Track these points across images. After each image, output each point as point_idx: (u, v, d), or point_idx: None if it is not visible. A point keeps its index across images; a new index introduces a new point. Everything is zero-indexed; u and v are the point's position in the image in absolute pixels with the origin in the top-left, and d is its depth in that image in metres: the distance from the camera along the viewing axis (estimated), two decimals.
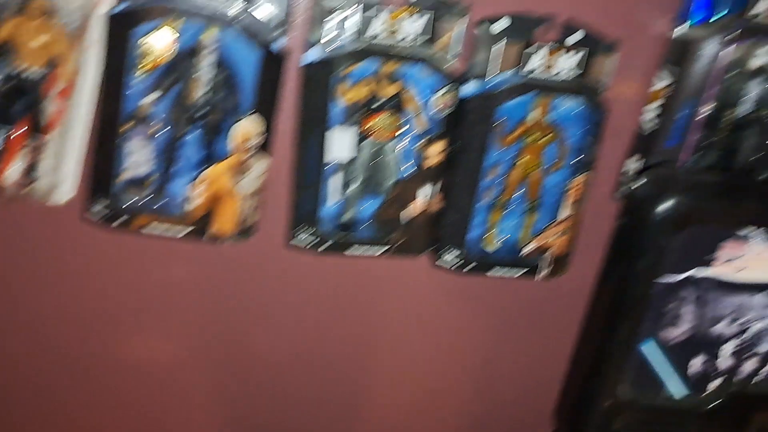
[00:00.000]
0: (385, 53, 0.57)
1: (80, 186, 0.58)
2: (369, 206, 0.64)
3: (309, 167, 0.60)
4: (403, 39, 0.57)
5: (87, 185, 0.58)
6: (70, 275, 0.65)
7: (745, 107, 0.64)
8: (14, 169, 0.57)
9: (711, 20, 0.62)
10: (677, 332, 0.56)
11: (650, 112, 0.65)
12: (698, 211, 0.52)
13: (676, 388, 0.57)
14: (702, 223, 0.52)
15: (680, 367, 0.58)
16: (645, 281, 0.52)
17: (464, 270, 0.66)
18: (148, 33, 0.53)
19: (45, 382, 0.69)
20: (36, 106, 0.55)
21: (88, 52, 0.55)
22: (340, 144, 0.60)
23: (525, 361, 0.76)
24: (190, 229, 0.59)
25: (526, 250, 0.66)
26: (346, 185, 0.62)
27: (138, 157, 0.57)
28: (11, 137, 0.56)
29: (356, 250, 0.64)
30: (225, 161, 0.57)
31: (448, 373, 0.76)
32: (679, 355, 0.58)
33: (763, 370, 0.59)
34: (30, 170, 0.57)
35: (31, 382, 0.69)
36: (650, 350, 0.56)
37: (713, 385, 0.59)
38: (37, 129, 0.56)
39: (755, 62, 0.63)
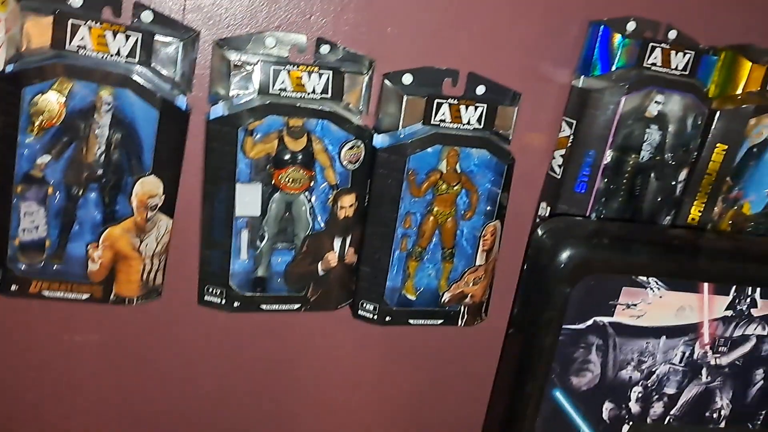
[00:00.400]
0: (292, 108, 0.57)
1: None
2: (281, 261, 0.63)
3: (217, 224, 0.59)
4: (310, 94, 0.57)
5: None
6: None
7: (645, 153, 0.67)
8: None
9: (610, 71, 0.65)
10: (586, 379, 0.57)
11: (557, 159, 0.67)
12: (594, 261, 0.53)
13: None
14: (599, 273, 0.53)
15: (592, 413, 0.59)
16: (550, 330, 0.52)
17: (383, 322, 0.65)
18: (40, 93, 0.51)
19: None
20: None
21: None
22: (248, 199, 0.60)
23: (446, 408, 0.76)
24: (91, 292, 0.57)
25: (444, 299, 0.66)
26: (256, 241, 0.61)
27: (32, 221, 0.54)
28: None
29: (270, 307, 0.63)
30: (125, 221, 0.55)
31: (372, 423, 0.75)
32: (590, 401, 0.58)
33: (672, 412, 0.60)
34: None
35: None
36: (561, 397, 0.56)
37: (625, 429, 0.59)
38: None
39: (652, 109, 0.66)
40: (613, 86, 0.64)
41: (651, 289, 0.54)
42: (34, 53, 0.51)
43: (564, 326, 0.53)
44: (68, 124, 0.53)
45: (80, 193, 0.55)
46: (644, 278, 0.54)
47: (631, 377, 0.58)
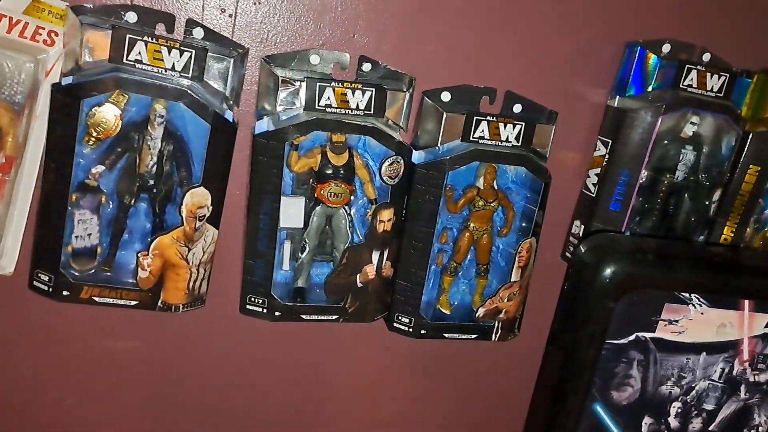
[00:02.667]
0: (337, 124, 0.59)
1: (27, 257, 0.57)
2: (320, 273, 0.64)
3: (261, 235, 0.60)
4: (354, 110, 0.59)
5: (33, 257, 0.56)
6: (17, 346, 0.62)
7: (679, 173, 0.68)
8: None
9: (645, 91, 0.66)
10: (627, 394, 0.57)
11: (592, 178, 0.68)
12: (638, 277, 0.53)
13: None
14: (642, 289, 0.53)
15: (631, 427, 0.59)
16: (592, 345, 0.53)
17: (418, 335, 0.66)
18: (97, 105, 0.53)
19: None
20: None
21: (34, 124, 0.55)
22: (292, 212, 0.61)
23: (482, 423, 0.76)
24: (139, 299, 0.58)
25: (479, 314, 0.67)
26: (297, 252, 0.62)
27: (86, 228, 0.56)
28: None
29: (310, 317, 0.64)
30: (174, 231, 0.57)
31: None
32: (629, 415, 0.58)
33: (711, 428, 0.61)
34: None
35: None
36: (602, 411, 0.56)
37: None
38: None
39: (688, 130, 0.67)
40: (650, 106, 0.65)
41: (693, 305, 0.55)
42: (92, 66, 0.53)
43: (606, 341, 0.53)
44: (123, 136, 0.55)
45: (132, 202, 0.57)
46: (686, 295, 0.54)
47: (671, 392, 0.58)
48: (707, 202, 0.69)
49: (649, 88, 0.66)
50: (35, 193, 0.57)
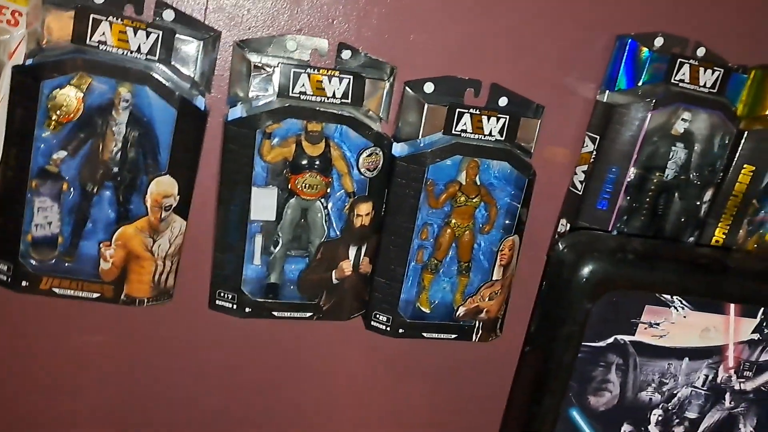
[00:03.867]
0: (311, 112, 0.56)
1: None
2: (295, 268, 0.62)
3: (232, 227, 0.58)
4: (330, 98, 0.57)
5: None
6: None
7: (669, 171, 0.65)
8: None
9: (636, 86, 0.63)
10: (605, 399, 0.55)
11: (579, 175, 0.66)
12: (617, 277, 0.51)
13: None
14: (622, 289, 0.51)
15: None
16: (568, 347, 0.51)
17: (396, 334, 0.64)
18: (58, 87, 0.51)
19: None
20: None
21: None
22: (264, 203, 0.59)
23: (458, 424, 0.74)
24: (102, 291, 0.56)
25: (459, 313, 0.65)
26: (270, 246, 0.60)
27: (46, 216, 0.54)
28: None
29: (282, 314, 0.61)
30: (138, 221, 0.54)
31: None
32: (607, 422, 0.56)
33: None
34: None
35: None
36: (578, 417, 0.54)
37: None
38: None
39: (679, 127, 0.65)
40: (639, 102, 0.62)
41: (675, 308, 0.52)
42: (55, 48, 0.51)
43: (583, 343, 0.51)
44: (86, 120, 0.52)
45: (95, 190, 0.54)
46: (668, 297, 0.52)
47: (651, 399, 0.56)
48: (698, 202, 0.67)
49: (640, 83, 0.63)
50: None
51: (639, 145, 0.63)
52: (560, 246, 0.53)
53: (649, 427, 0.58)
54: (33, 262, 0.54)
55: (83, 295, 0.55)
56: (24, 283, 0.54)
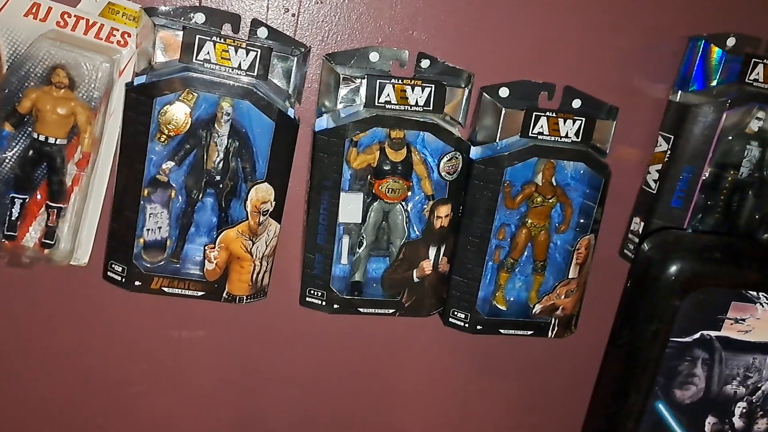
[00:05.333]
0: (396, 120, 0.59)
1: (101, 249, 0.60)
2: (376, 268, 0.65)
3: (320, 230, 0.61)
4: (413, 106, 0.60)
5: (107, 248, 0.59)
6: (89, 335, 0.65)
7: (744, 170, 0.66)
8: (34, 234, 0.59)
9: (708, 86, 0.64)
10: (690, 392, 0.56)
11: (652, 174, 0.67)
12: (704, 275, 0.52)
13: None
14: (709, 286, 0.53)
15: (694, 427, 0.58)
16: (656, 343, 0.52)
17: (474, 330, 0.66)
18: (168, 104, 0.55)
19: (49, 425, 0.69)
20: (56, 174, 0.57)
21: (108, 122, 0.58)
22: (350, 207, 0.62)
23: (540, 420, 0.76)
24: (206, 290, 0.60)
25: (535, 311, 0.67)
26: (355, 247, 0.64)
27: (156, 222, 0.58)
28: (31, 203, 0.58)
29: (367, 310, 0.65)
30: (239, 225, 0.59)
31: (458, 429, 0.76)
32: (693, 415, 0.57)
33: None
34: (49, 235, 0.59)
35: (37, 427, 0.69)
36: (664, 410, 0.56)
37: None
38: (56, 195, 0.58)
39: (753, 126, 0.66)
40: (714, 102, 0.63)
41: (761, 304, 0.53)
42: (164, 66, 0.56)
43: (671, 339, 0.53)
44: (192, 133, 0.57)
45: (199, 197, 0.59)
46: (754, 293, 0.53)
47: (735, 392, 0.57)
48: None
49: (713, 83, 0.65)
50: (108, 187, 0.59)
51: (714, 144, 0.64)
52: (645, 246, 0.55)
53: (733, 419, 0.59)
54: (145, 263, 0.59)
55: (189, 293, 0.60)
56: (137, 283, 0.59)
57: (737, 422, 0.59)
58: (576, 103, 0.64)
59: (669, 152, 0.65)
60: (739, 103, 0.63)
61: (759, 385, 0.58)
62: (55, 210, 0.58)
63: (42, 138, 0.56)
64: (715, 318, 0.54)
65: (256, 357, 0.69)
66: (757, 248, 0.57)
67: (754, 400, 0.58)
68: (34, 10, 0.55)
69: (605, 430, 0.56)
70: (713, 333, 0.55)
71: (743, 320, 0.54)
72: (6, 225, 0.58)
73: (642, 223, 0.67)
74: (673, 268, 0.51)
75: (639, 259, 0.56)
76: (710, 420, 0.58)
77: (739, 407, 0.58)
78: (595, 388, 0.61)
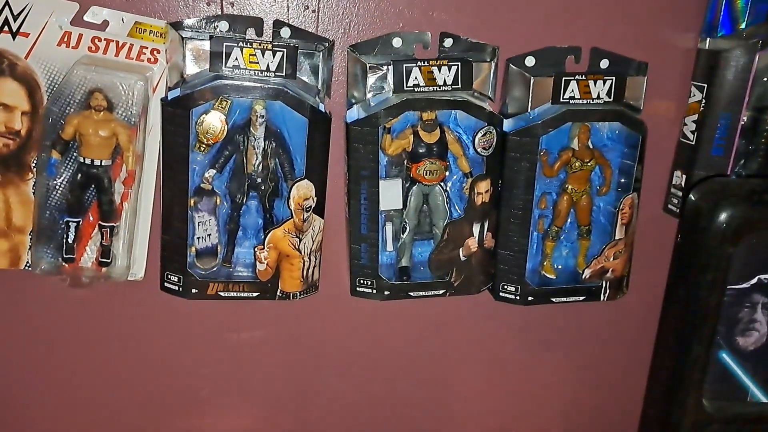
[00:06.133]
0: (427, 102, 0.60)
1: (154, 262, 0.61)
2: (423, 251, 0.65)
3: (363, 220, 0.62)
4: (441, 87, 0.60)
5: (161, 260, 0.61)
6: (152, 346, 0.68)
7: None
8: (90, 254, 0.61)
9: (736, 30, 0.63)
10: (753, 339, 0.56)
11: (689, 125, 0.66)
12: (755, 219, 0.52)
13: (759, 394, 0.57)
14: (761, 230, 0.52)
15: (761, 373, 0.57)
16: (713, 292, 0.52)
17: (526, 302, 0.66)
18: (204, 113, 0.57)
19: None
20: (105, 194, 0.59)
21: (147, 138, 0.59)
22: (390, 194, 0.63)
23: (601, 384, 0.76)
24: (260, 291, 0.62)
25: (585, 275, 0.67)
26: (399, 233, 0.64)
27: (206, 229, 0.60)
28: (84, 225, 0.60)
29: (417, 294, 0.65)
30: (285, 224, 0.60)
31: (524, 403, 0.76)
32: (758, 361, 0.57)
33: None
34: (105, 254, 0.61)
35: None
36: (729, 359, 0.55)
37: None
38: (108, 215, 0.60)
39: None
40: (745, 44, 0.62)
41: None
42: (195, 77, 0.57)
43: (728, 287, 0.52)
44: (229, 139, 0.58)
45: (243, 200, 0.60)
46: None
47: None
48: None
49: (741, 26, 0.63)
50: (155, 201, 0.61)
51: (749, 87, 0.63)
52: (692, 197, 0.54)
53: None
54: (199, 271, 0.61)
55: (245, 295, 0.61)
56: (194, 291, 0.60)
57: None
58: (604, 64, 0.63)
59: (704, 101, 0.64)
60: None
61: None
62: (108, 229, 0.60)
63: (88, 161, 0.58)
64: None
65: (314, 350, 0.70)
66: None
67: None
68: (66, 39, 0.57)
69: (670, 386, 0.56)
70: None
71: None
72: (64, 249, 0.60)
73: (684, 176, 0.66)
74: (723, 215, 0.51)
75: (687, 211, 0.55)
76: None
77: None
78: (656, 344, 0.61)
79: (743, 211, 0.51)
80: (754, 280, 0.54)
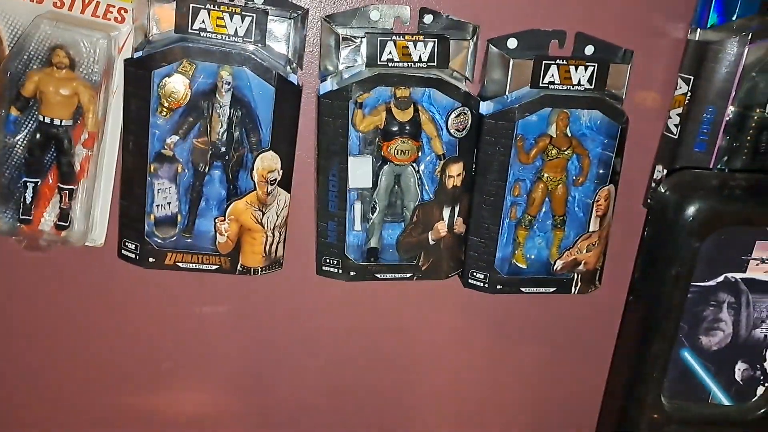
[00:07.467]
0: (400, 78, 0.58)
1: (112, 227, 0.60)
2: (392, 233, 0.64)
3: (331, 197, 0.61)
4: (416, 63, 0.58)
5: (119, 227, 0.59)
6: (108, 313, 0.66)
7: None
8: (48, 217, 0.59)
9: (728, 21, 0.61)
10: (717, 338, 0.54)
11: (673, 119, 0.64)
12: (725, 214, 0.50)
13: (721, 396, 0.55)
14: (731, 225, 0.50)
15: (724, 374, 0.56)
16: (677, 288, 0.50)
17: (494, 291, 0.65)
18: (167, 76, 0.55)
19: (83, 407, 0.70)
20: (64, 156, 0.57)
21: (111, 100, 0.58)
22: (360, 172, 0.61)
23: (570, 376, 0.74)
24: (220, 263, 0.60)
25: (556, 267, 0.65)
26: (368, 213, 0.63)
27: (165, 197, 0.58)
28: (43, 187, 0.59)
29: (384, 276, 0.64)
30: (248, 196, 0.58)
31: (487, 392, 0.75)
32: (721, 361, 0.55)
33: None
34: (63, 217, 0.59)
35: (65, 413, 0.70)
36: (690, 358, 0.54)
37: (760, 391, 0.56)
38: (67, 177, 0.58)
39: None
40: (735, 36, 0.60)
41: None
42: (160, 39, 0.55)
43: (693, 283, 0.50)
44: (193, 105, 0.56)
45: (206, 170, 0.58)
46: None
47: (766, 336, 0.55)
48: None
49: (734, 17, 0.61)
50: (118, 166, 0.59)
51: (737, 81, 0.61)
52: (662, 188, 0.53)
53: (765, 364, 0.56)
54: (158, 240, 0.59)
55: (204, 267, 0.60)
56: (151, 260, 0.59)
57: None
58: (589, 50, 0.61)
59: (689, 94, 0.62)
60: (762, 36, 0.60)
61: None
62: (67, 192, 0.59)
63: (48, 120, 0.56)
64: (739, 259, 0.52)
65: (277, 328, 0.69)
66: None
67: None
68: None
69: (631, 381, 0.55)
70: (738, 275, 0.52)
71: None
72: (21, 210, 0.58)
73: (665, 171, 0.64)
74: (691, 209, 0.49)
75: (656, 202, 0.53)
76: (740, 366, 0.56)
77: None
78: (618, 339, 0.59)
79: (712, 205, 0.49)
80: (721, 278, 0.52)
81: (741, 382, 0.57)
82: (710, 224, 0.49)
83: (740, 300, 0.53)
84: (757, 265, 0.53)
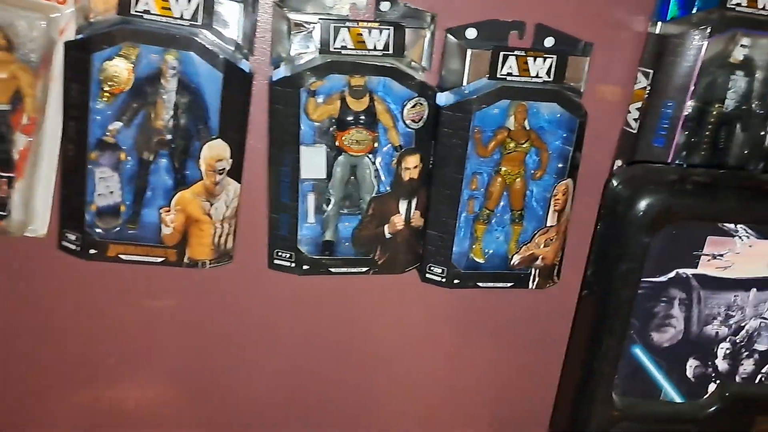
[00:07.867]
0: (354, 66, 0.56)
1: (54, 218, 0.57)
2: (348, 226, 0.62)
3: (283, 188, 0.59)
4: (371, 51, 0.56)
5: (59, 217, 0.57)
6: (48, 306, 0.64)
7: (729, 102, 0.62)
8: None
9: (689, 14, 0.61)
10: (668, 335, 0.54)
11: (633, 113, 0.63)
12: (676, 209, 0.49)
13: (673, 393, 0.55)
14: (682, 221, 0.49)
15: (675, 371, 0.56)
16: (627, 284, 0.50)
17: (451, 285, 0.64)
18: (108, 60, 0.53)
19: (23, 406, 0.67)
20: (2, 143, 0.55)
21: (52, 85, 0.55)
22: (313, 162, 0.59)
23: (521, 372, 0.74)
24: (165, 256, 0.58)
25: (514, 262, 0.64)
26: (323, 205, 0.61)
27: (107, 186, 0.56)
28: None
29: (339, 270, 0.62)
30: (195, 185, 0.56)
31: (445, 387, 0.74)
32: (673, 358, 0.55)
33: (764, 370, 0.56)
34: (1, 206, 0.56)
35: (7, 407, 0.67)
36: (642, 355, 0.53)
37: (712, 388, 0.56)
38: (4, 165, 0.55)
39: (737, 54, 0.62)
40: (694, 30, 0.60)
41: (739, 237, 0.50)
42: (102, 21, 0.53)
43: (643, 279, 0.50)
44: (137, 90, 0.54)
45: (151, 158, 0.56)
46: (732, 226, 0.50)
47: (717, 333, 0.55)
48: (762, 133, 0.64)
49: (694, 10, 0.60)
50: (60, 154, 0.57)
51: (695, 76, 0.60)
52: (614, 182, 0.52)
53: (716, 361, 0.56)
54: (99, 230, 0.57)
55: (148, 259, 0.58)
56: (92, 251, 0.57)
57: (721, 364, 0.56)
58: (549, 42, 0.60)
59: (649, 88, 0.62)
60: (721, 30, 0.60)
61: (742, 324, 0.55)
62: (6, 180, 0.56)
63: None
64: (691, 255, 0.51)
65: (228, 322, 0.67)
66: (734, 178, 0.54)
67: (737, 341, 0.56)
68: None
69: (582, 378, 0.54)
70: (689, 271, 0.52)
71: (721, 256, 0.51)
72: None
73: (624, 166, 0.64)
74: (642, 203, 0.48)
75: (607, 197, 0.53)
76: (692, 363, 0.56)
77: (722, 348, 0.56)
78: (571, 335, 0.59)
79: (663, 200, 0.49)
80: (672, 274, 0.52)
81: (692, 379, 0.57)
82: (661, 219, 0.49)
83: (691, 296, 0.53)
84: (709, 261, 0.52)
